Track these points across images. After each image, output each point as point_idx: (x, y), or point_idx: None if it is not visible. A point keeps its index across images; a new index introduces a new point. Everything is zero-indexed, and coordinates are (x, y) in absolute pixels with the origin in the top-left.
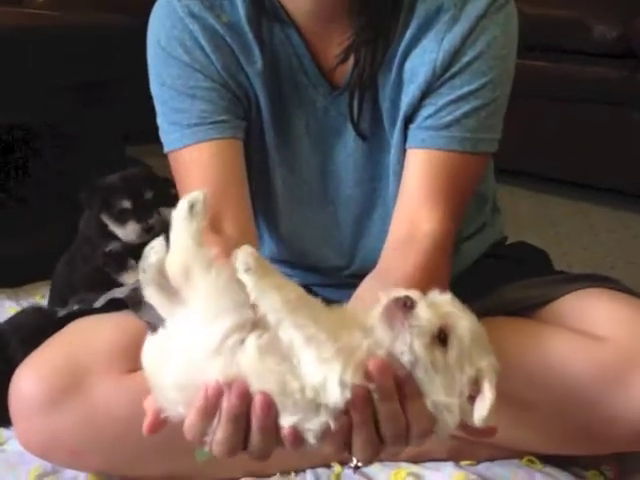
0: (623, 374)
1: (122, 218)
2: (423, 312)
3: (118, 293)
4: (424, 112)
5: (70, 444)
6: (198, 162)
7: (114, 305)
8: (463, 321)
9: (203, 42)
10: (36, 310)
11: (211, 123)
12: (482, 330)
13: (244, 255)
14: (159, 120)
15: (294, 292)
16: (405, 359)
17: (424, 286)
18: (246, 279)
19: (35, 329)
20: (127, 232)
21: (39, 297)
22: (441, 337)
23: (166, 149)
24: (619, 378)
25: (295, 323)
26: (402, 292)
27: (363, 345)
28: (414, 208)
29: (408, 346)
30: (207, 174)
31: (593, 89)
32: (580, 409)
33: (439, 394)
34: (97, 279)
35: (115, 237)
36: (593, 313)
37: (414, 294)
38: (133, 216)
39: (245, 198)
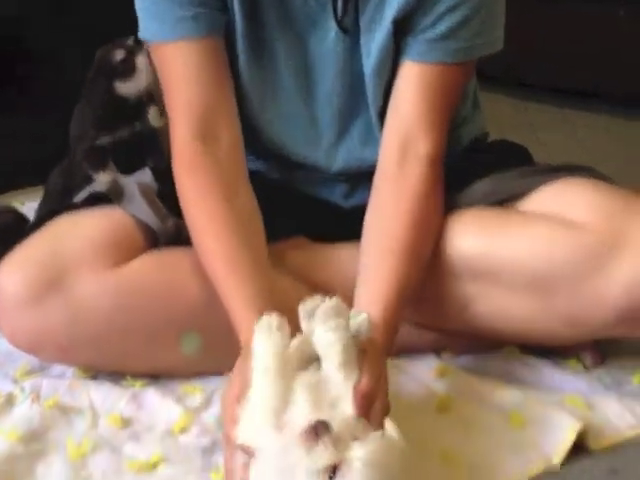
0: (604, 258)
1: (127, 64)
2: (321, 449)
3: (98, 187)
4: (419, 23)
5: (57, 339)
6: (183, 64)
7: (94, 199)
8: (357, 461)
9: None
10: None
11: (192, 18)
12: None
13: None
14: (137, 8)
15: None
16: None
17: (419, 222)
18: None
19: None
20: (139, 66)
21: (18, 204)
22: (331, 474)
23: (147, 41)
24: (601, 262)
25: None
26: (316, 418)
27: None
28: (408, 127)
29: None
30: (195, 80)
31: None
32: (562, 294)
33: None
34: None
35: (110, 131)
36: (573, 201)
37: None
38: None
39: (235, 105)
